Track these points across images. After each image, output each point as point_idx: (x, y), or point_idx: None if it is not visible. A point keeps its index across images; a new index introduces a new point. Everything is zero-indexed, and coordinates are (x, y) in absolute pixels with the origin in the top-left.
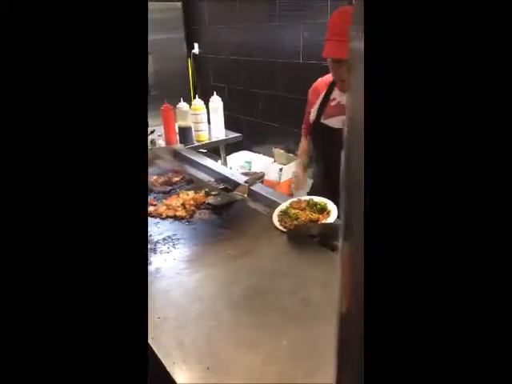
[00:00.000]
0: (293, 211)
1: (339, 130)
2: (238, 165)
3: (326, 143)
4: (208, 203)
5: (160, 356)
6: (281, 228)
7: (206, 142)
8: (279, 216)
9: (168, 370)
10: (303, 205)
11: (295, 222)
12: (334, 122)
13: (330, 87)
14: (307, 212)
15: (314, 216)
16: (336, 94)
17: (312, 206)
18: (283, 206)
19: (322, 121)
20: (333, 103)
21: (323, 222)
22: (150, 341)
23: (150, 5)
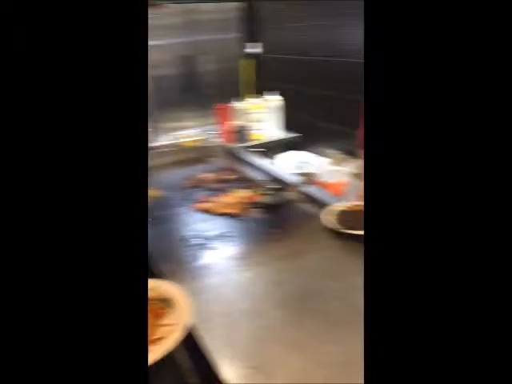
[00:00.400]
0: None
1: None
2: (292, 165)
3: None
4: (260, 202)
5: (209, 351)
6: (339, 228)
7: (262, 141)
8: (339, 215)
9: (215, 365)
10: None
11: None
12: None
13: None
14: None
15: None
16: None
17: None
18: (340, 206)
19: None
20: None
21: None
22: (198, 333)
23: (211, 5)
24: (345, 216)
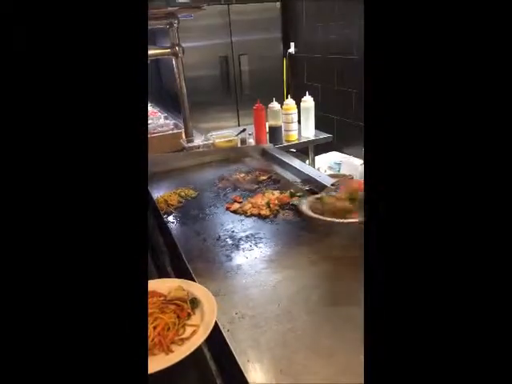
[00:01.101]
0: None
1: None
2: (326, 166)
3: None
4: (292, 204)
5: (235, 352)
6: (310, 214)
7: (296, 141)
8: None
9: (241, 367)
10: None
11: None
12: None
13: None
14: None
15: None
16: None
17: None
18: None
19: None
20: None
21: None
22: (225, 334)
23: (249, 6)
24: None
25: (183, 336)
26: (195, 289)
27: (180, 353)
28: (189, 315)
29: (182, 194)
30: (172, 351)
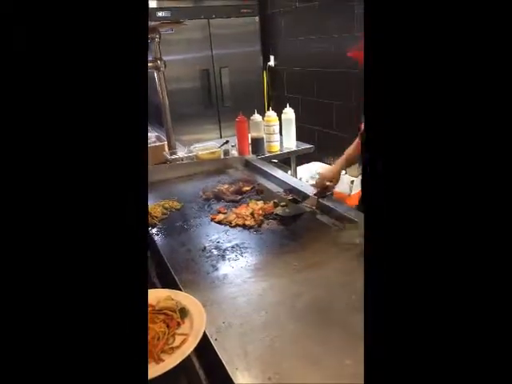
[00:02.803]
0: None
1: None
2: (308, 176)
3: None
4: (276, 214)
5: (223, 361)
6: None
7: (278, 152)
8: None
9: (230, 375)
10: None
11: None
12: None
13: None
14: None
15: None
16: None
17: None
18: None
19: None
20: None
21: None
22: (213, 343)
23: (228, 20)
24: None
25: (173, 345)
26: (183, 298)
27: (170, 362)
28: (178, 324)
29: (166, 205)
30: (162, 360)
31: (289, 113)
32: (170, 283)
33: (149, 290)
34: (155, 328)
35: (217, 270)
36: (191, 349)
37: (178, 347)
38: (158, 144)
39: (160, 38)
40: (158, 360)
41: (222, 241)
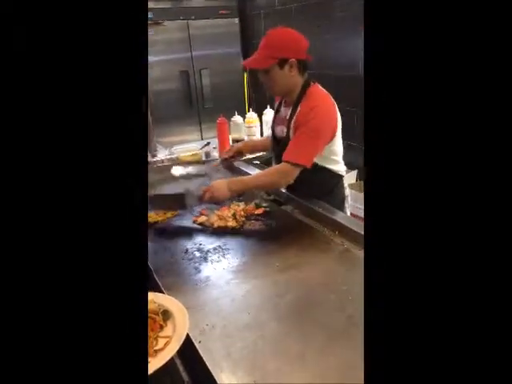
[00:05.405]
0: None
1: (282, 138)
2: None
3: (273, 149)
4: (258, 215)
5: (208, 364)
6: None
7: (258, 154)
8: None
9: (215, 378)
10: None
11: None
12: (278, 131)
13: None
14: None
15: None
16: (282, 105)
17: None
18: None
19: (274, 129)
20: (278, 114)
21: None
22: (197, 346)
23: (208, 21)
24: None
25: (156, 347)
26: (166, 301)
27: (154, 364)
28: (161, 327)
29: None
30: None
31: (269, 114)
32: (152, 286)
33: None
34: None
35: (199, 272)
36: (175, 351)
37: (161, 349)
38: None
39: None
40: None
41: (204, 243)
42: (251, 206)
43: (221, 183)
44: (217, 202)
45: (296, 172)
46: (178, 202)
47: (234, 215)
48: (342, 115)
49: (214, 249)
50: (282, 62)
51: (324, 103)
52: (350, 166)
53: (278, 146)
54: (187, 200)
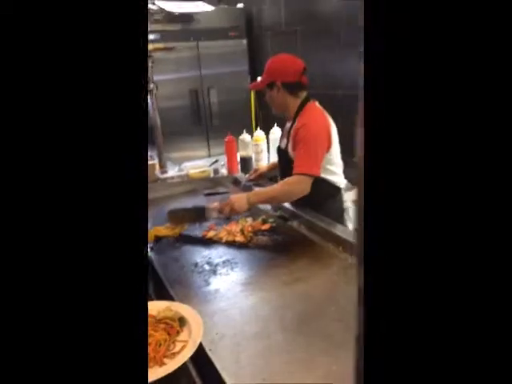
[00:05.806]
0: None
1: (283, 149)
2: None
3: (279, 160)
4: (265, 230)
5: (218, 368)
6: None
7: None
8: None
9: (225, 381)
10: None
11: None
12: (282, 143)
13: None
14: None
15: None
16: (287, 120)
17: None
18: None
19: (280, 141)
20: (284, 128)
21: None
22: (208, 352)
23: (217, 42)
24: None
25: (174, 351)
26: (182, 309)
27: (172, 365)
28: (178, 332)
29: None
30: (165, 364)
31: (276, 132)
32: (166, 297)
33: (150, 302)
34: (157, 336)
35: (209, 284)
36: (190, 353)
37: (178, 352)
38: (149, 163)
39: (153, 63)
40: (161, 364)
41: (213, 256)
42: (258, 221)
43: (240, 197)
44: (234, 215)
45: (308, 181)
46: (198, 215)
47: (241, 230)
48: (346, 133)
49: (223, 262)
50: (271, 85)
51: (317, 118)
52: (353, 182)
53: (280, 156)
54: (207, 213)
